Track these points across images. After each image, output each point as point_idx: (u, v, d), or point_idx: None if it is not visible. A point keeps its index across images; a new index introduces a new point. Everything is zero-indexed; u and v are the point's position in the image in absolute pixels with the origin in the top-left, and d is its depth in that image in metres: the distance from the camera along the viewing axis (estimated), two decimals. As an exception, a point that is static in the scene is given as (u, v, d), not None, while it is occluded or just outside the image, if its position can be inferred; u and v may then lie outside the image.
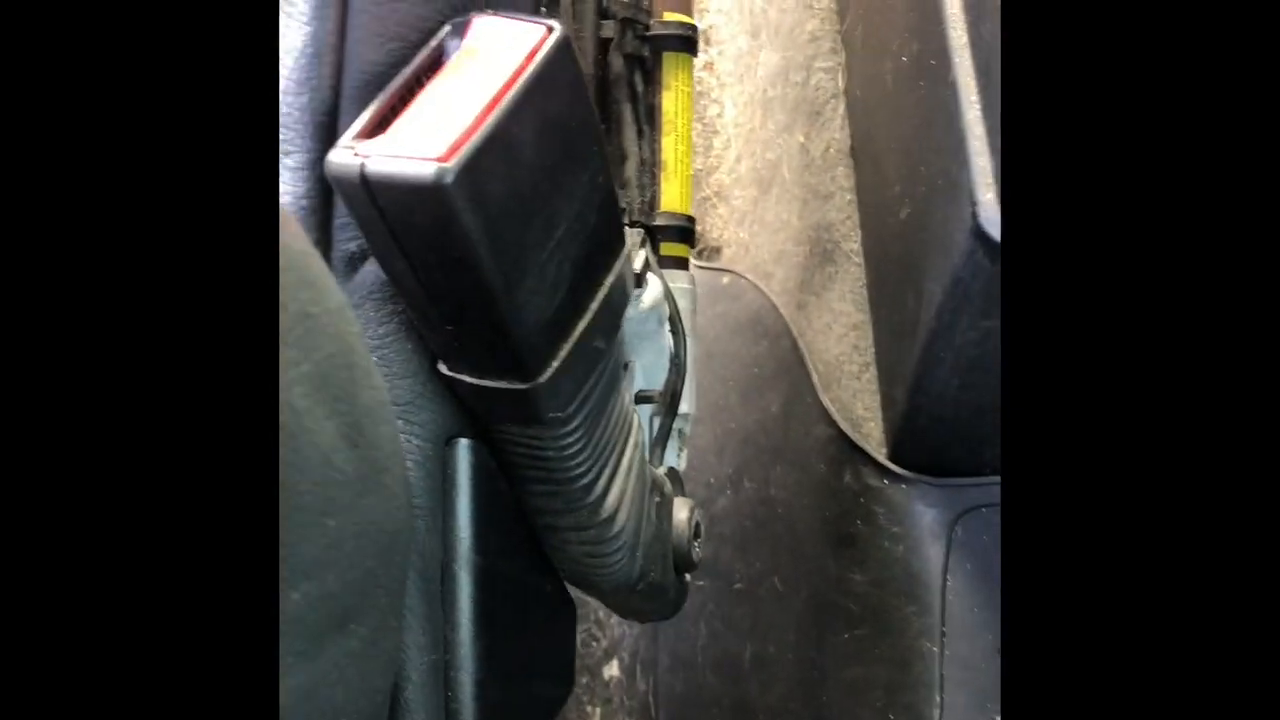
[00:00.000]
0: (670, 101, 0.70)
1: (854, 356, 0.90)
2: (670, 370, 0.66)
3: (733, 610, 0.94)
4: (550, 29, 0.41)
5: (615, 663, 1.07)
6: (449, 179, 0.36)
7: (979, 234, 0.58)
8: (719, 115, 1.17)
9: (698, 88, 1.15)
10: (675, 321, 0.66)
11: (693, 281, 0.72)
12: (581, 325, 0.45)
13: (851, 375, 0.90)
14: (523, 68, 0.40)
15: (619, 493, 0.52)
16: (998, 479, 0.78)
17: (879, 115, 0.86)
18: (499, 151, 0.38)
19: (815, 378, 0.91)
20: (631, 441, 0.54)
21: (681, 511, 0.64)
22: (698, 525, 0.65)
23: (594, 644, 1.09)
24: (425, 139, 0.38)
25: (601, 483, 0.50)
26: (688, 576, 0.69)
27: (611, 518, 0.52)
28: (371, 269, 0.44)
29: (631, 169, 0.68)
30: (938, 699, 0.73)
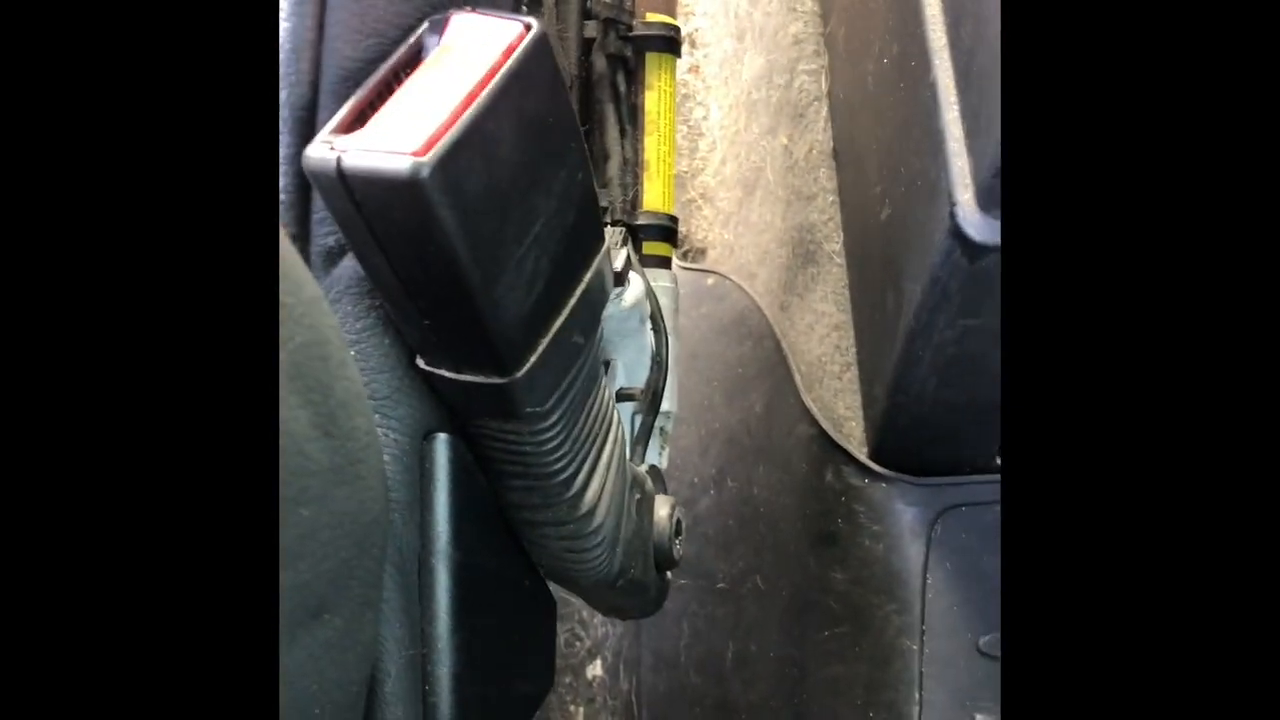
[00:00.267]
0: (653, 101, 0.71)
1: (836, 356, 0.91)
2: (652, 368, 0.66)
3: (715, 609, 0.94)
4: (528, 26, 0.41)
5: (598, 662, 1.07)
6: (425, 173, 0.36)
7: (957, 233, 0.58)
8: (704, 118, 1.17)
9: (683, 90, 1.16)
10: (657, 319, 0.67)
11: (675, 280, 0.72)
12: (559, 320, 0.45)
13: (833, 375, 0.91)
14: (500, 64, 0.40)
15: (598, 488, 0.52)
16: (977, 478, 0.78)
17: (861, 117, 0.87)
18: (476, 147, 0.38)
19: (798, 378, 0.91)
20: (611, 437, 0.54)
21: (663, 509, 0.64)
22: (679, 522, 0.65)
23: (577, 643, 1.09)
24: (402, 134, 0.38)
25: (580, 478, 0.50)
26: (669, 574, 0.69)
27: (590, 513, 0.52)
28: (349, 264, 0.44)
29: (614, 168, 0.68)
30: (917, 696, 0.73)
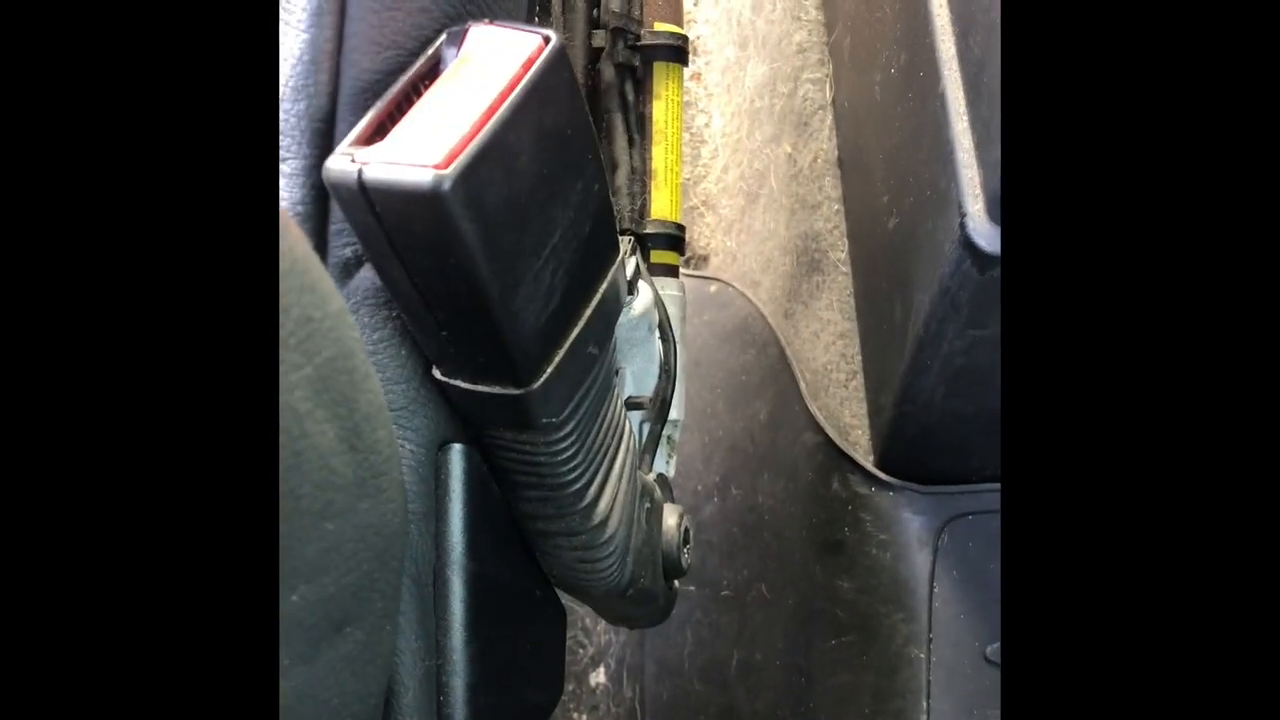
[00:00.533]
0: (661, 111, 0.71)
1: (841, 365, 0.91)
2: (660, 377, 0.66)
3: (720, 617, 0.94)
4: (546, 39, 0.41)
5: (602, 670, 1.07)
6: (447, 186, 0.36)
7: (967, 244, 0.58)
8: (706, 125, 1.17)
9: (685, 98, 1.16)
10: (665, 328, 0.67)
11: (682, 289, 0.72)
12: (576, 331, 0.45)
13: (839, 383, 0.91)
14: (519, 76, 0.40)
15: (611, 498, 0.52)
16: (984, 486, 0.78)
17: (867, 126, 0.87)
18: (496, 159, 0.38)
19: (803, 386, 0.91)
20: (623, 447, 0.54)
21: (671, 518, 0.64)
22: (687, 531, 0.65)
23: (580, 651, 1.09)
24: (423, 146, 0.38)
25: (594, 488, 0.50)
26: (676, 583, 0.69)
27: (603, 523, 0.52)
28: (367, 275, 0.44)
29: (622, 177, 0.69)
30: (925, 705, 0.73)
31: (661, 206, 0.71)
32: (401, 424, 0.43)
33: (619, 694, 1.04)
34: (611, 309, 0.49)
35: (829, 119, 1.01)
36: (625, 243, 0.64)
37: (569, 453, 0.48)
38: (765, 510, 0.92)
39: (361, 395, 0.34)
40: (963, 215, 0.59)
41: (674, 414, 0.69)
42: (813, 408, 0.89)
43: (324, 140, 0.44)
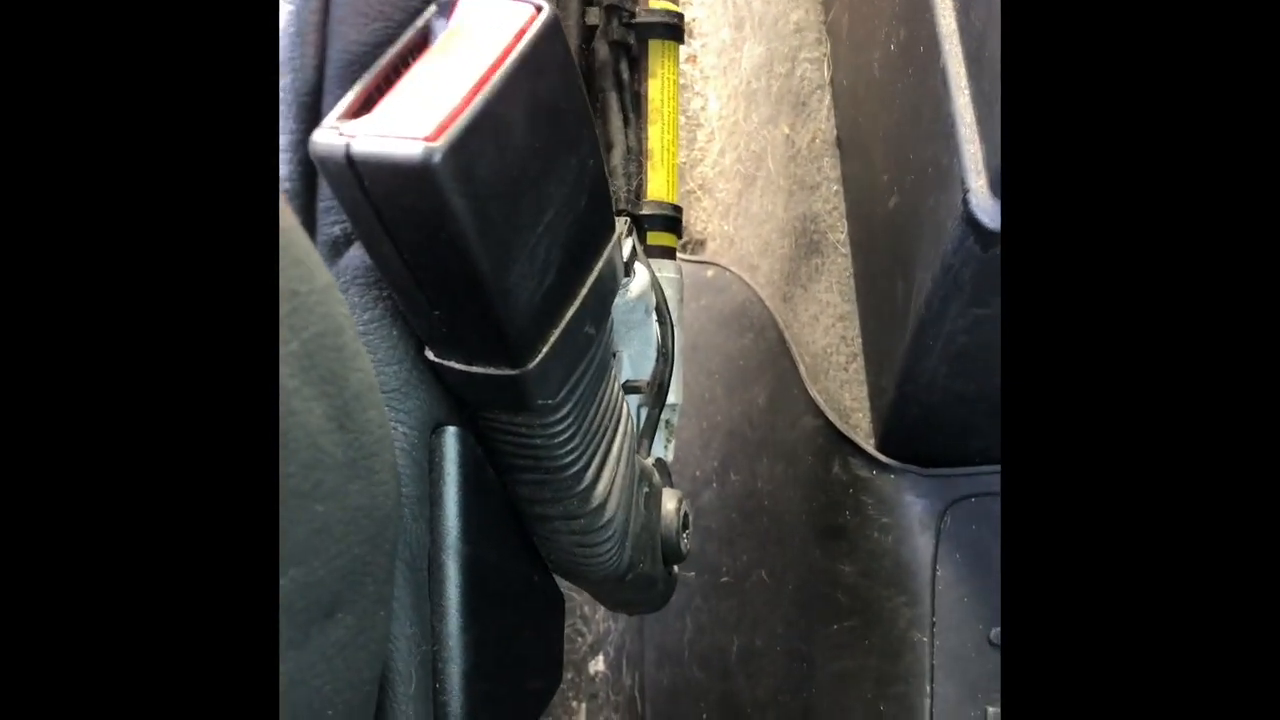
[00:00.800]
0: (656, 90, 0.70)
1: (841, 347, 0.90)
2: (658, 360, 0.66)
3: (719, 603, 0.94)
4: (538, 9, 0.40)
5: (601, 658, 1.06)
6: (437, 159, 0.35)
7: (970, 221, 0.57)
8: (703, 108, 1.16)
9: (681, 80, 1.15)
10: (662, 311, 0.66)
11: (679, 271, 0.71)
12: (571, 311, 0.44)
13: (839, 366, 0.90)
14: (511, 47, 0.39)
15: (609, 482, 0.51)
16: (987, 468, 0.78)
17: (866, 105, 0.86)
18: (487, 132, 0.37)
19: (802, 369, 0.90)
20: (621, 430, 0.53)
21: (670, 502, 0.63)
22: (686, 516, 0.65)
23: (579, 639, 1.08)
24: (412, 119, 0.37)
25: (591, 471, 0.49)
26: (676, 568, 0.68)
27: (601, 507, 0.51)
28: (356, 253, 0.43)
29: (618, 157, 0.68)
30: (928, 689, 0.72)
31: (658, 187, 0.70)
32: (394, 406, 0.42)
33: (618, 682, 1.04)
34: (608, 288, 0.48)
35: (827, 98, 1.00)
36: (621, 223, 0.63)
37: (566, 435, 0.47)
38: (765, 495, 0.92)
39: (351, 373, 0.33)
40: (965, 191, 0.58)
41: (672, 398, 0.68)
42: (812, 391, 0.88)
43: (311, 115, 0.43)
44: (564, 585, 0.59)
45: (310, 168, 0.42)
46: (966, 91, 0.60)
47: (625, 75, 0.69)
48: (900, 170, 0.73)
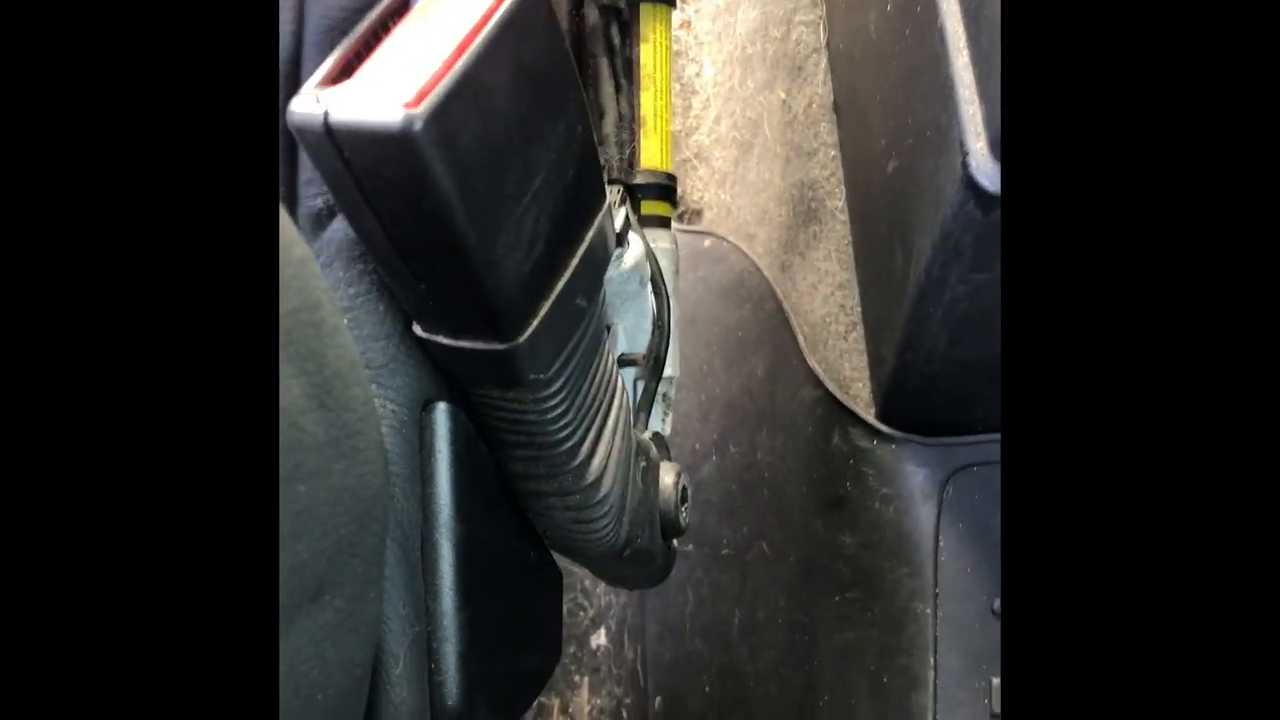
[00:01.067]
0: (648, 55, 0.68)
1: (840, 316, 0.89)
2: (653, 332, 0.65)
3: (720, 576, 0.93)
4: (522, -31, 0.39)
5: (602, 631, 1.06)
6: (418, 126, 0.34)
7: (970, 184, 0.56)
8: (697, 75, 1.14)
9: (675, 47, 1.13)
10: (658, 282, 0.65)
11: (674, 241, 0.70)
12: (561, 282, 0.43)
13: (838, 335, 0.89)
14: (493, 10, 0.38)
15: (604, 457, 0.50)
16: (989, 437, 0.77)
17: (863, 68, 0.84)
18: (470, 97, 0.36)
19: (801, 339, 0.89)
20: (616, 404, 0.52)
21: (668, 476, 0.63)
22: (685, 490, 0.64)
23: (580, 613, 1.08)
24: (392, 85, 0.36)
25: (586, 446, 0.49)
26: (675, 542, 0.68)
27: (597, 482, 0.50)
28: (339, 226, 0.42)
29: (609, 125, 0.66)
30: (932, 661, 0.72)
31: (651, 155, 0.68)
32: (381, 383, 0.41)
33: (620, 655, 1.03)
34: (600, 259, 0.47)
35: (823, 62, 0.98)
36: (614, 193, 0.62)
37: (559, 410, 0.46)
38: (765, 467, 0.91)
39: (330, 350, 0.32)
40: (965, 154, 0.56)
41: (668, 371, 0.67)
42: (811, 361, 0.87)
43: (290, 83, 0.42)
44: (563, 560, 0.58)
45: (290, 139, 0.41)
46: (965, 52, 0.59)
47: (616, 40, 0.67)
48: (898, 134, 0.71)
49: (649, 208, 0.69)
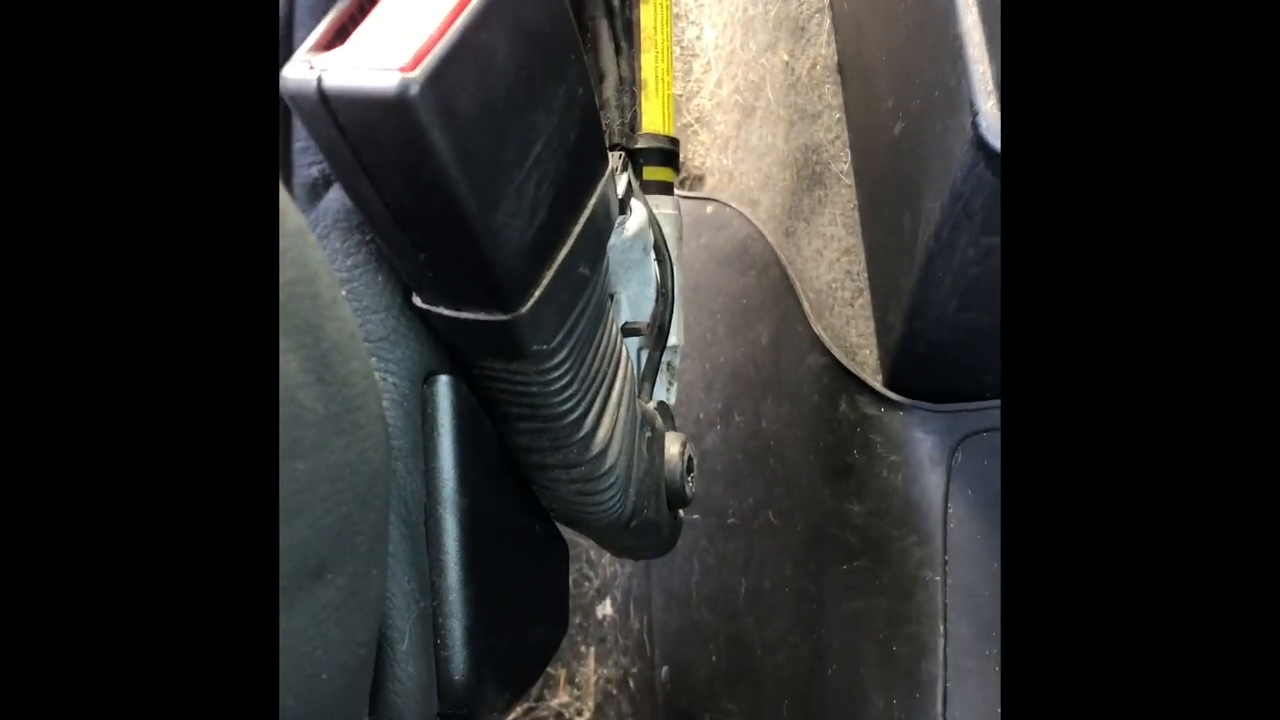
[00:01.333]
0: (649, 16, 0.67)
1: (846, 282, 0.88)
2: (657, 301, 0.64)
3: (726, 545, 0.92)
4: (519, -74, 0.38)
5: (608, 601, 1.06)
6: (414, 90, 0.33)
7: (980, 144, 0.55)
8: (698, 37, 1.13)
9: (675, 10, 1.11)
10: (661, 249, 0.64)
11: (678, 207, 0.69)
12: (564, 251, 0.42)
13: (844, 302, 0.88)
14: (491, -31, 0.36)
15: (609, 428, 0.50)
16: (998, 403, 0.76)
17: (868, 27, 0.83)
18: (468, 60, 0.35)
19: (806, 306, 0.88)
20: (621, 375, 0.51)
21: (673, 446, 0.62)
22: (690, 460, 0.63)
23: (586, 583, 1.07)
24: (387, 49, 0.35)
25: (590, 418, 0.48)
26: (681, 513, 0.67)
27: (602, 454, 0.49)
28: (336, 196, 0.41)
29: (610, 88, 0.65)
30: (941, 629, 0.71)
31: (653, 119, 0.67)
32: (382, 355, 0.41)
33: (627, 625, 1.03)
34: (602, 226, 0.46)
35: (827, 22, 0.96)
36: (616, 158, 0.61)
37: (563, 382, 0.45)
38: (770, 435, 0.90)
39: (328, 322, 0.31)
40: (974, 113, 0.55)
41: (673, 339, 0.67)
42: (817, 328, 0.86)
43: (283, 50, 0.41)
44: (569, 531, 0.58)
45: (284, 107, 0.40)
46: (974, 8, 0.58)
47: (616, 1, 0.65)
48: (905, 94, 0.70)
49: (651, 173, 0.68)
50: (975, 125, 0.55)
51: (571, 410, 0.46)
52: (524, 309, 0.40)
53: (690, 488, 0.63)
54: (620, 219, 0.56)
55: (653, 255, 0.63)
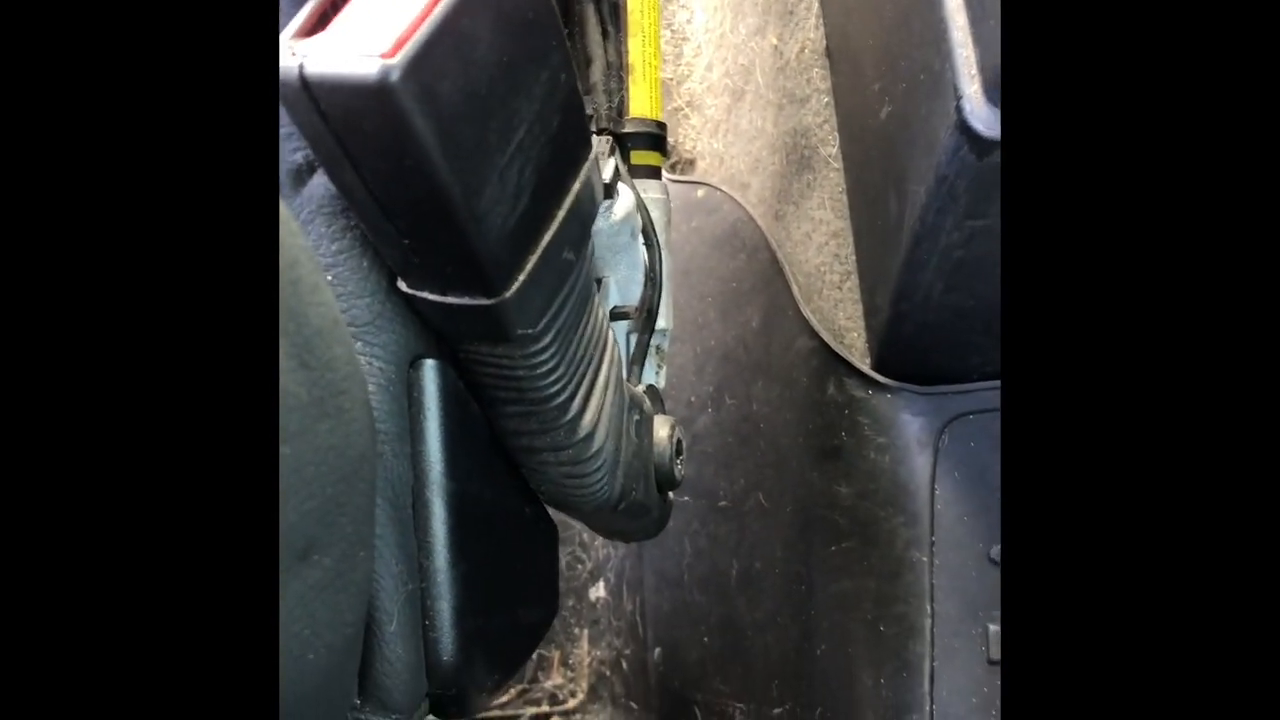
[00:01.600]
0: (636, 1, 0.67)
1: (835, 265, 0.88)
2: (646, 285, 0.64)
3: (717, 527, 0.93)
4: (500, -88, 0.38)
5: (601, 584, 1.07)
6: (395, 76, 0.33)
7: (964, 129, 0.55)
8: (688, 21, 1.12)
9: (665, -7, 1.11)
10: (649, 233, 0.64)
11: (666, 191, 0.69)
12: (548, 235, 0.43)
13: (833, 285, 0.88)
14: (472, -45, 0.37)
15: (596, 411, 0.50)
16: (985, 384, 0.76)
17: (855, 11, 0.83)
18: (449, 46, 0.35)
19: (795, 289, 0.89)
20: (607, 358, 0.52)
21: (662, 429, 0.62)
22: (679, 442, 0.64)
23: (579, 566, 1.08)
24: (368, 35, 0.35)
25: (577, 401, 0.48)
26: (671, 495, 0.68)
27: (589, 436, 0.50)
28: (320, 181, 0.41)
29: (597, 73, 0.65)
30: (929, 609, 0.72)
31: (640, 103, 0.67)
32: (367, 340, 0.41)
33: (619, 607, 1.04)
34: (587, 210, 0.46)
35: (815, 6, 0.96)
36: (603, 142, 0.61)
37: (549, 365, 0.46)
38: (760, 418, 0.91)
39: (310, 309, 0.31)
40: (959, 98, 0.55)
41: (662, 323, 0.67)
42: (806, 312, 0.87)
43: (265, 35, 0.40)
44: (559, 514, 0.58)
45: (266, 92, 0.40)
46: (959, -8, 0.58)
47: (603, -14, 0.65)
48: (891, 79, 0.70)
49: (639, 157, 0.68)
50: (960, 110, 0.55)
51: (558, 393, 0.47)
52: (509, 293, 0.41)
53: (679, 470, 0.63)
54: (607, 203, 0.57)
55: (641, 239, 0.63)
